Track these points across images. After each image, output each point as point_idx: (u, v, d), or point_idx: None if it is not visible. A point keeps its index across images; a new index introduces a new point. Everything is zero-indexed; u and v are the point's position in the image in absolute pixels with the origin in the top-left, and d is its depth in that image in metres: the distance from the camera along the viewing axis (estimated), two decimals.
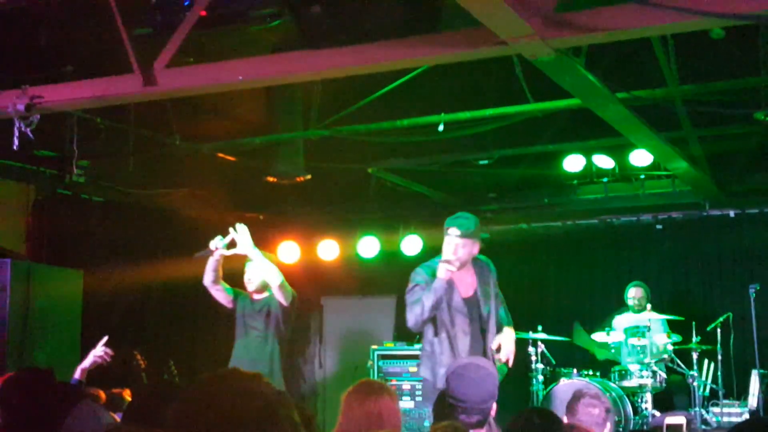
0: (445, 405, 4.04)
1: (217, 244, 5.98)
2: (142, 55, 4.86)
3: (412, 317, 5.37)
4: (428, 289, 5.27)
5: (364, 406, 3.61)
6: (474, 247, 5.39)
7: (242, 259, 6.25)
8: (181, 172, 8.16)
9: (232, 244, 6.01)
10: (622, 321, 8.51)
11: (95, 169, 7.33)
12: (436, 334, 5.43)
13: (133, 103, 6.09)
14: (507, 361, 5.38)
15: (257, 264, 6.11)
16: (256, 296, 6.29)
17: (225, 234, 6.00)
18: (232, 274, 6.35)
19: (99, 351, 5.25)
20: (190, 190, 8.48)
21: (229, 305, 6.30)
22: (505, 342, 5.41)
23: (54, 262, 7.43)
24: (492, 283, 5.55)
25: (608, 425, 4.22)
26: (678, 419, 2.87)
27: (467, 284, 5.46)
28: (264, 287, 6.22)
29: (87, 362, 5.25)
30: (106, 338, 5.36)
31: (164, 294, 8.55)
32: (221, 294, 6.24)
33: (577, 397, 4.35)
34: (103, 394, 5.57)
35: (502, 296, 5.63)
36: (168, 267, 8.05)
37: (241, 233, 6.01)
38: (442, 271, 5.25)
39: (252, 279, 6.22)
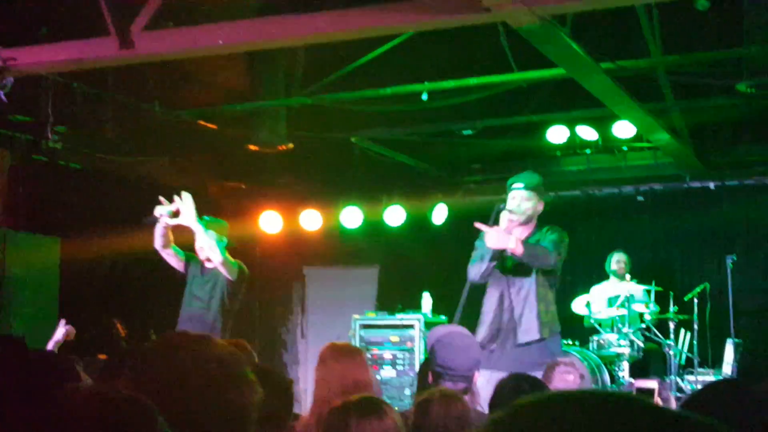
0: (428, 373, 4.05)
1: (161, 211, 5.84)
2: (118, 17, 4.77)
3: (474, 268, 5.31)
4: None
5: (337, 369, 3.58)
6: (538, 204, 5.31)
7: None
8: (161, 140, 8.06)
9: (176, 214, 5.86)
10: (602, 291, 8.58)
11: (72, 136, 7.22)
12: (486, 291, 5.40)
13: (112, 68, 5.99)
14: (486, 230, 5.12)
15: (199, 238, 5.97)
16: (208, 264, 6.14)
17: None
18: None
19: (62, 329, 5.25)
20: (169, 158, 8.39)
21: (181, 269, 6.17)
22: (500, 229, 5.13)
23: (30, 229, 7.35)
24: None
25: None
26: (649, 384, 2.89)
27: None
28: None
29: (59, 336, 5.24)
30: (63, 321, 5.34)
31: (143, 262, 8.46)
32: (173, 258, 6.12)
33: (551, 366, 4.42)
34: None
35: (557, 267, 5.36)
36: (147, 235, 7.98)
37: (185, 203, 5.83)
38: (504, 220, 5.16)
39: (203, 247, 6.06)
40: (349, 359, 3.72)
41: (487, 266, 5.27)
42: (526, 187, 5.28)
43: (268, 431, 2.65)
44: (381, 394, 3.89)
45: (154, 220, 5.90)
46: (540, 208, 5.34)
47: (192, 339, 1.78)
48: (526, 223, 5.31)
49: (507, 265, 5.34)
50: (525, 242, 5.15)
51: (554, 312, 5.35)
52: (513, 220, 5.17)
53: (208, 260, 6.11)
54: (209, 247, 5.94)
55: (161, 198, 5.91)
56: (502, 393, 3.28)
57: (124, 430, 1.28)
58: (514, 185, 5.32)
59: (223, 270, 6.00)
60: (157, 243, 6.01)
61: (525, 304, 5.28)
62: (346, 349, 3.88)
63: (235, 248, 9.91)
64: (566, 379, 4.25)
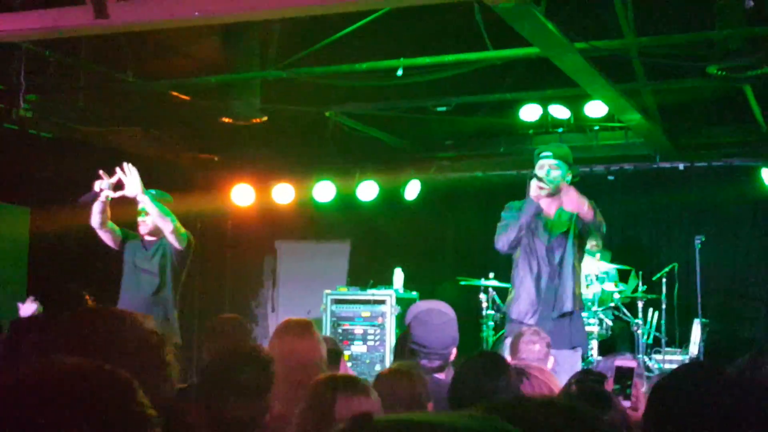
0: (406, 349, 4.09)
1: (102, 185, 5.69)
2: None
3: (502, 237, 5.28)
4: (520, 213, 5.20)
5: (292, 346, 3.58)
6: (567, 175, 5.30)
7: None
8: (134, 110, 8.00)
9: (119, 186, 5.73)
10: None
11: (44, 104, 7.14)
12: (517, 265, 5.38)
13: (85, 36, 5.92)
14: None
15: (147, 208, 5.88)
16: (149, 238, 6.09)
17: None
18: None
19: (31, 306, 5.21)
20: (142, 129, 8.33)
21: (116, 247, 6.08)
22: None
23: (0, 198, 7.27)
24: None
25: (551, 359, 4.31)
26: (629, 363, 2.93)
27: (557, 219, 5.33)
28: (158, 231, 5.99)
29: (27, 312, 5.19)
30: (32, 298, 5.28)
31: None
32: (108, 236, 6.01)
33: (518, 336, 4.43)
34: None
35: (599, 235, 5.43)
36: (118, 206, 7.93)
37: (129, 174, 5.72)
38: (534, 188, 5.15)
39: (146, 221, 5.99)
40: (304, 335, 3.72)
41: (516, 235, 5.24)
42: (555, 156, 5.28)
43: (248, 404, 2.70)
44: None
45: (92, 198, 5.73)
46: (569, 179, 5.32)
47: (117, 314, 1.78)
48: (554, 193, 5.28)
49: (551, 231, 5.28)
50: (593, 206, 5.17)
51: (581, 286, 5.43)
52: (543, 187, 5.16)
53: (151, 234, 6.04)
54: (159, 216, 5.82)
55: (100, 172, 5.75)
56: (468, 374, 3.28)
57: (102, 404, 1.25)
58: (543, 153, 5.31)
59: (172, 239, 5.92)
60: (95, 221, 5.85)
61: (562, 275, 5.28)
62: (299, 324, 3.87)
63: (206, 221, 9.92)
64: (532, 349, 4.26)
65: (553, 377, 3.54)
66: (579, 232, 5.39)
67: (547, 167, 5.25)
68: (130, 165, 5.77)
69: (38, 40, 5.73)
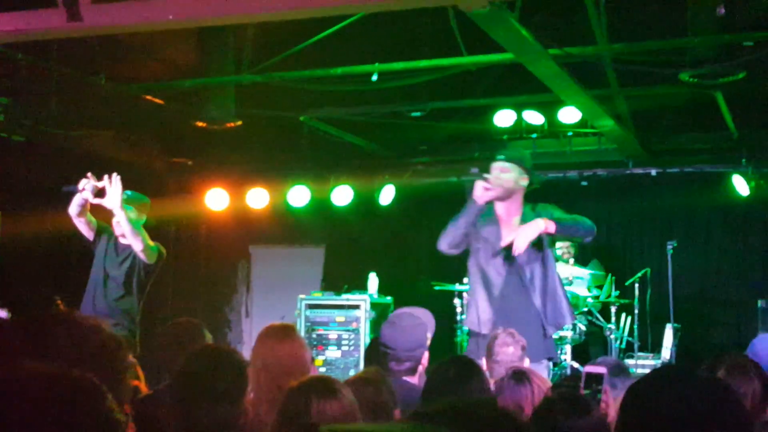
0: (376, 352, 4.09)
1: (85, 185, 5.78)
2: None
3: (442, 237, 5.21)
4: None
5: (275, 351, 3.56)
6: (521, 177, 5.18)
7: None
8: (107, 114, 7.93)
9: (101, 193, 5.81)
10: None
11: (15, 107, 7.07)
12: (472, 275, 5.28)
13: (57, 39, 5.87)
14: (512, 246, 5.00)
15: (122, 224, 5.95)
16: (123, 240, 6.12)
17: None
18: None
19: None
20: (115, 133, 8.27)
21: (90, 238, 6.14)
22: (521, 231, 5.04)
23: None
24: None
25: (526, 361, 4.30)
26: (598, 369, 2.95)
27: (514, 226, 5.18)
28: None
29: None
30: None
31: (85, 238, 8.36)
32: (84, 225, 6.09)
33: (492, 338, 4.38)
34: None
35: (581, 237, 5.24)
36: (91, 210, 7.87)
37: (113, 186, 5.79)
38: (478, 188, 5.06)
39: (121, 223, 6.03)
40: (286, 340, 3.70)
41: (454, 235, 5.17)
42: (507, 159, 5.21)
43: (222, 408, 2.68)
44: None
45: (74, 190, 5.82)
46: (523, 181, 5.22)
47: (82, 320, 1.77)
48: (505, 197, 5.21)
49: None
50: (555, 219, 5.02)
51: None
52: (488, 188, 5.08)
53: (123, 236, 6.07)
54: (131, 233, 5.91)
55: (89, 174, 5.82)
56: (438, 380, 3.28)
57: (73, 409, 1.26)
58: (497, 157, 5.26)
59: (142, 256, 6.02)
60: (73, 210, 5.97)
61: (547, 288, 5.16)
62: (281, 329, 3.86)
63: (179, 225, 9.86)
64: (506, 351, 4.21)
65: (548, 383, 3.53)
66: (550, 242, 5.29)
67: (497, 170, 5.17)
68: (117, 177, 5.84)
69: (9, 42, 5.66)
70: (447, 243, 5.23)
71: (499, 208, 5.24)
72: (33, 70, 6.67)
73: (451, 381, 3.14)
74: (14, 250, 7.37)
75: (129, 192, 6.07)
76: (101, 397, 1.31)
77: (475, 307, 5.24)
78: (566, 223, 5.12)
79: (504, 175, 5.16)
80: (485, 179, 5.08)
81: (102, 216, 6.20)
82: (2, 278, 7.11)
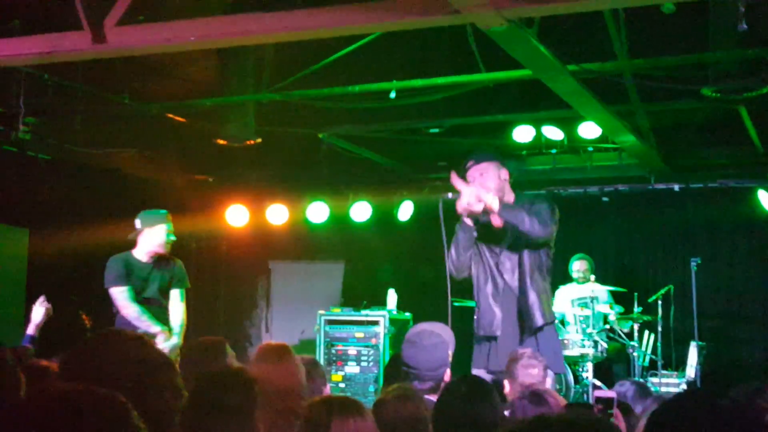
0: (397, 370, 4.09)
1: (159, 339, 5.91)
2: (92, 11, 4.77)
3: (447, 263, 5.06)
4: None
5: (270, 373, 3.51)
6: (497, 172, 4.97)
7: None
8: (130, 132, 8.04)
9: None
10: (566, 292, 8.65)
11: (42, 127, 7.18)
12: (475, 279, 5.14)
13: (82, 60, 5.97)
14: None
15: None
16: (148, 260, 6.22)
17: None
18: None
19: (41, 309, 5.19)
20: (138, 151, 8.36)
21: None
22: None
23: None
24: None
25: (549, 381, 4.27)
26: (608, 393, 2.97)
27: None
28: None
29: (39, 317, 5.18)
30: (43, 297, 5.29)
31: (111, 254, 8.43)
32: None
33: (514, 359, 4.32)
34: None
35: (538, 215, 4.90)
36: (115, 228, 7.95)
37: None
38: (459, 208, 4.90)
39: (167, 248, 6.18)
40: (278, 361, 3.66)
41: (456, 259, 5.05)
42: (477, 161, 5.05)
43: (235, 425, 2.71)
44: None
45: None
46: (503, 175, 5.05)
47: (128, 338, 1.80)
48: (498, 191, 4.97)
49: (491, 241, 4.99)
50: (504, 204, 4.80)
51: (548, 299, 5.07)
52: (470, 204, 4.86)
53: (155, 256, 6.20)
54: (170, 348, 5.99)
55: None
56: (450, 399, 3.27)
57: (100, 427, 1.29)
58: (466, 165, 5.07)
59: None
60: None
61: (524, 288, 4.95)
62: (275, 350, 3.85)
63: (200, 241, 9.93)
64: (531, 373, 4.17)
65: (562, 401, 3.51)
66: (527, 242, 4.99)
67: (477, 173, 4.98)
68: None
69: (37, 64, 5.76)
70: (452, 269, 5.14)
71: (495, 217, 4.96)
72: (59, 91, 6.78)
73: (462, 401, 3.14)
74: (42, 266, 7.47)
75: (148, 212, 6.18)
76: (126, 413, 1.34)
77: (486, 310, 5.12)
78: (512, 210, 4.84)
79: (481, 178, 4.98)
80: (464, 196, 4.82)
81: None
82: (30, 293, 7.20)
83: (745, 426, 1.85)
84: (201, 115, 7.80)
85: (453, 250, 5.08)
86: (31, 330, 5.10)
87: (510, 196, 5.10)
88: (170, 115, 7.74)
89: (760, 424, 1.91)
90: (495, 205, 4.78)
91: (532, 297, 4.96)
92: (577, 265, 8.78)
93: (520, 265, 5.01)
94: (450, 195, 4.97)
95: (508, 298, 5.06)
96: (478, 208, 4.83)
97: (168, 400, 1.73)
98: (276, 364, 3.59)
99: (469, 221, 5.03)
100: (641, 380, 7.61)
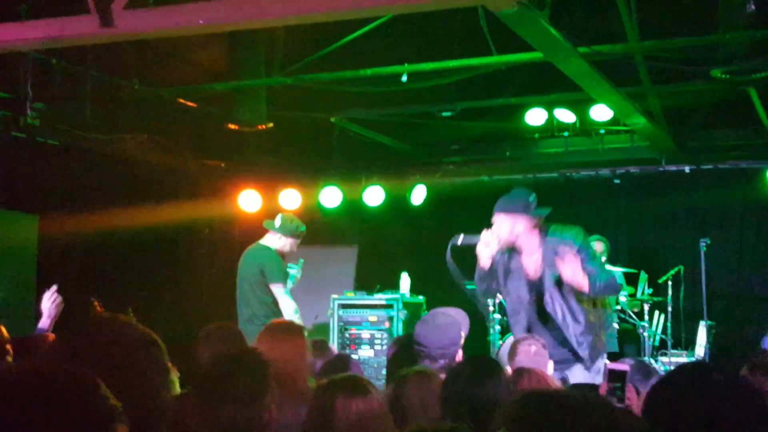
0: (407, 352, 4.11)
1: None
2: None
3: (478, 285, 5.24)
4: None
5: (275, 349, 3.53)
6: (518, 223, 5.00)
7: None
8: (140, 117, 8.03)
9: None
10: None
11: (51, 112, 7.17)
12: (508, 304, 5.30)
13: (91, 45, 5.96)
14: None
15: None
16: None
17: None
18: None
19: (52, 299, 5.18)
20: (148, 136, 8.36)
21: None
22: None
23: (8, 206, 7.31)
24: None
25: (550, 363, 4.28)
26: (621, 366, 2.99)
27: (536, 267, 5.03)
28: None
29: (51, 311, 5.15)
30: (55, 287, 5.27)
31: (122, 240, 8.48)
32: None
33: (516, 342, 4.41)
34: None
35: (597, 264, 4.95)
36: (126, 213, 7.98)
37: None
38: (480, 255, 4.99)
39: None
40: (287, 338, 3.69)
41: (484, 295, 5.32)
42: (499, 210, 5.12)
43: (247, 408, 2.73)
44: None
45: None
46: (526, 225, 5.04)
47: (119, 323, 1.83)
48: (510, 250, 5.08)
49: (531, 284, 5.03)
50: (590, 280, 4.73)
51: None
52: (487, 251, 4.97)
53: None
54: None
55: None
56: (456, 380, 3.29)
57: (67, 403, 1.30)
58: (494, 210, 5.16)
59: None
60: None
61: (562, 326, 4.95)
62: (287, 327, 3.85)
63: (213, 227, 9.95)
64: (528, 350, 4.21)
65: (550, 379, 3.56)
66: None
67: (495, 227, 5.04)
68: None
69: (45, 48, 5.76)
70: (480, 293, 5.33)
71: (526, 261, 5.05)
72: (68, 76, 6.78)
73: (467, 381, 3.16)
74: (51, 252, 7.49)
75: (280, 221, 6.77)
76: (93, 386, 1.36)
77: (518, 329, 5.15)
78: (601, 286, 4.84)
79: (500, 228, 5.03)
80: (485, 243, 4.94)
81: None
82: (40, 279, 7.23)
83: (741, 394, 1.87)
84: (212, 100, 7.79)
85: (479, 290, 5.28)
86: (44, 324, 5.06)
87: (529, 243, 5.07)
88: (181, 100, 7.73)
89: (755, 392, 1.92)
90: (483, 257, 4.96)
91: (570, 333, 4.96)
92: (595, 246, 8.78)
93: (559, 304, 4.97)
94: (459, 241, 5.14)
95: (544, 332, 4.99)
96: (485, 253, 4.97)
97: (150, 379, 1.75)
98: (283, 340, 3.61)
99: (484, 263, 5.05)
100: (645, 360, 7.66)
